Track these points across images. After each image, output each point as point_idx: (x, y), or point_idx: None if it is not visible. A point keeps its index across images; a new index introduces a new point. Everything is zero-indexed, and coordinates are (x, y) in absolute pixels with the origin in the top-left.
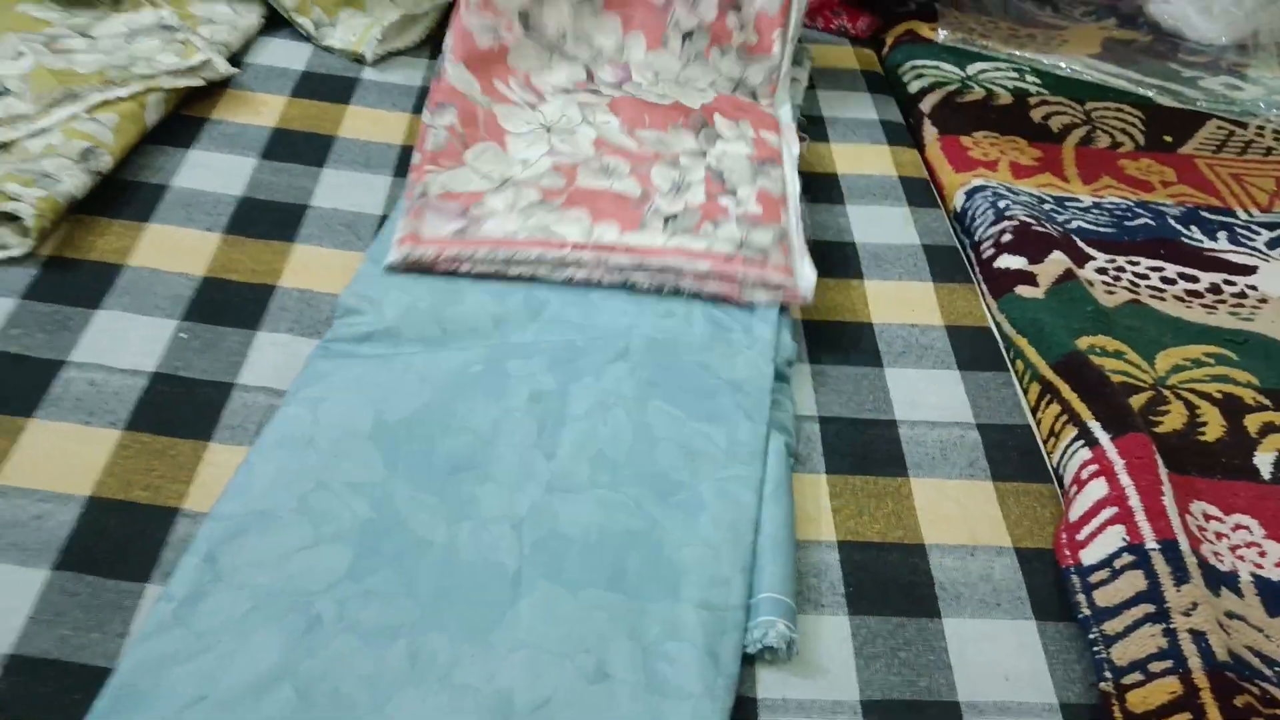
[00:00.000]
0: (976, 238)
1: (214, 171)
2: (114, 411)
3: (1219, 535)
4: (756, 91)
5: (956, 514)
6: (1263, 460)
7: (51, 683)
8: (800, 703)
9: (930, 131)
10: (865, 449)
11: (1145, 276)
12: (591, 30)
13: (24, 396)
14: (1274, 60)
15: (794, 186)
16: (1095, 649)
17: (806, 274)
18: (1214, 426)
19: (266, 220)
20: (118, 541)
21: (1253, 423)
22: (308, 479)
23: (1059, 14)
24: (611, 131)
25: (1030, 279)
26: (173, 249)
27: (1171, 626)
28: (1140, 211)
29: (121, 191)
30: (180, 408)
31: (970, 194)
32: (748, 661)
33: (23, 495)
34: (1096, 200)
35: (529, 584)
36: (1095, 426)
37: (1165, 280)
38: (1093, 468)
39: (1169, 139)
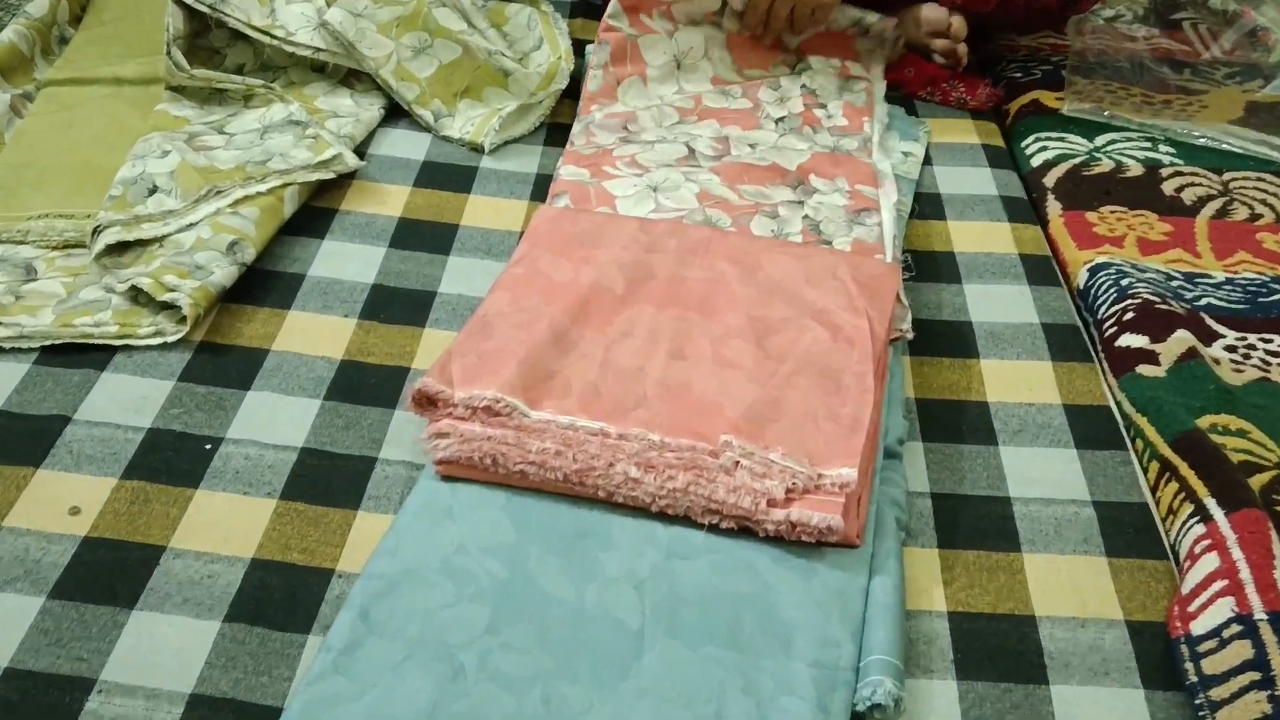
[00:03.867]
0: (1099, 316)
1: (347, 260)
2: (270, 483)
3: None
4: (853, 153)
5: (1068, 587)
6: None
7: (230, 718)
8: None
9: (1054, 206)
10: (978, 524)
11: (1278, 354)
12: (689, 129)
13: (189, 470)
14: None
15: (890, 230)
16: (1201, 714)
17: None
18: None
19: (398, 305)
20: (280, 597)
21: None
22: (448, 543)
23: (1198, 77)
24: (714, 185)
25: (1152, 358)
26: (313, 334)
27: (1276, 694)
28: (1277, 287)
29: (264, 280)
30: (329, 479)
31: (1094, 271)
32: (857, 718)
33: (195, 557)
34: (1230, 276)
35: (651, 639)
36: (1211, 503)
37: None
38: (1206, 542)
39: None
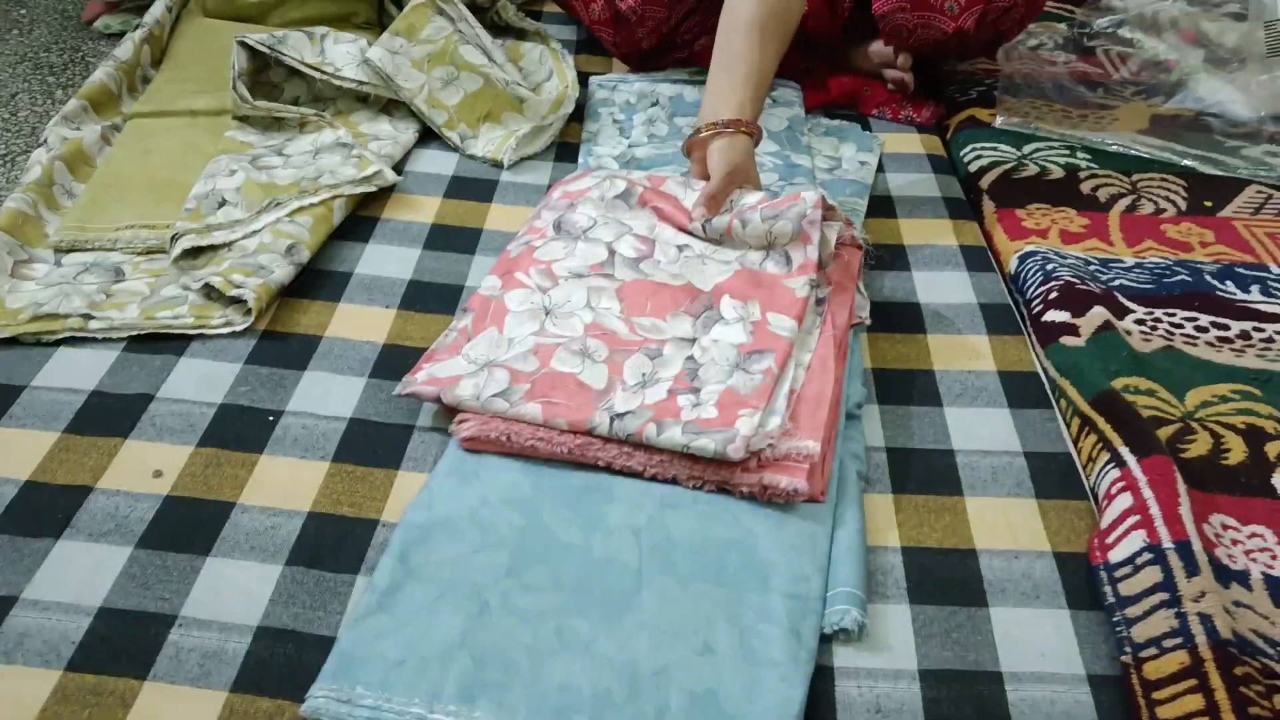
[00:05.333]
0: (1028, 296)
1: (387, 260)
2: (323, 448)
3: (1234, 541)
4: (789, 249)
5: (1004, 524)
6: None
7: (291, 647)
8: (869, 670)
9: (989, 205)
10: (926, 473)
11: (1180, 326)
12: (623, 217)
13: (255, 438)
14: None
15: (791, 370)
16: (1118, 629)
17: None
18: (1236, 452)
19: (431, 298)
20: (332, 544)
21: (1273, 449)
22: (474, 498)
23: (1110, 94)
24: (608, 317)
25: (1073, 330)
26: (359, 323)
27: (1182, 611)
28: (1178, 269)
29: (317, 278)
30: (373, 444)
31: (1023, 258)
32: (825, 640)
33: (260, 511)
34: (1139, 261)
35: (648, 578)
36: (1124, 451)
37: (1198, 329)
38: (1121, 484)
39: (1209, 204)
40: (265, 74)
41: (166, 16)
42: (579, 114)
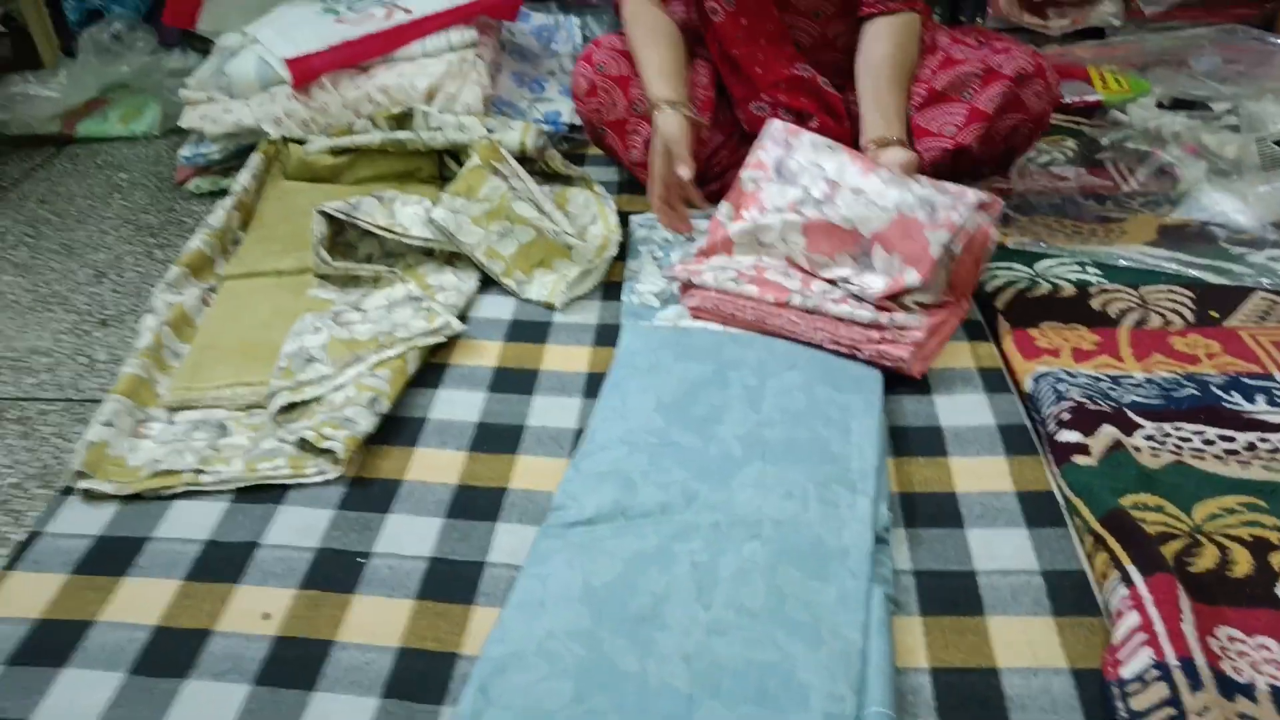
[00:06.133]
0: (1042, 415)
1: (457, 404)
2: (407, 586)
3: (1240, 654)
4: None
5: (1024, 643)
6: None
7: None
8: None
9: (1004, 325)
10: (951, 594)
11: (1188, 440)
12: (822, 159)
13: (346, 579)
14: None
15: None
16: None
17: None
18: (1242, 564)
19: (497, 439)
20: (420, 677)
21: (1277, 559)
22: (541, 630)
23: (1119, 207)
24: (796, 252)
25: (1085, 449)
26: (434, 466)
27: None
28: (1186, 383)
29: (395, 425)
30: (451, 581)
31: (1037, 379)
32: None
33: (356, 648)
34: (1148, 376)
35: (698, 701)
36: (1132, 570)
37: (1206, 442)
38: (1129, 601)
39: (1215, 314)
40: (342, 235)
41: (252, 183)
42: (622, 253)
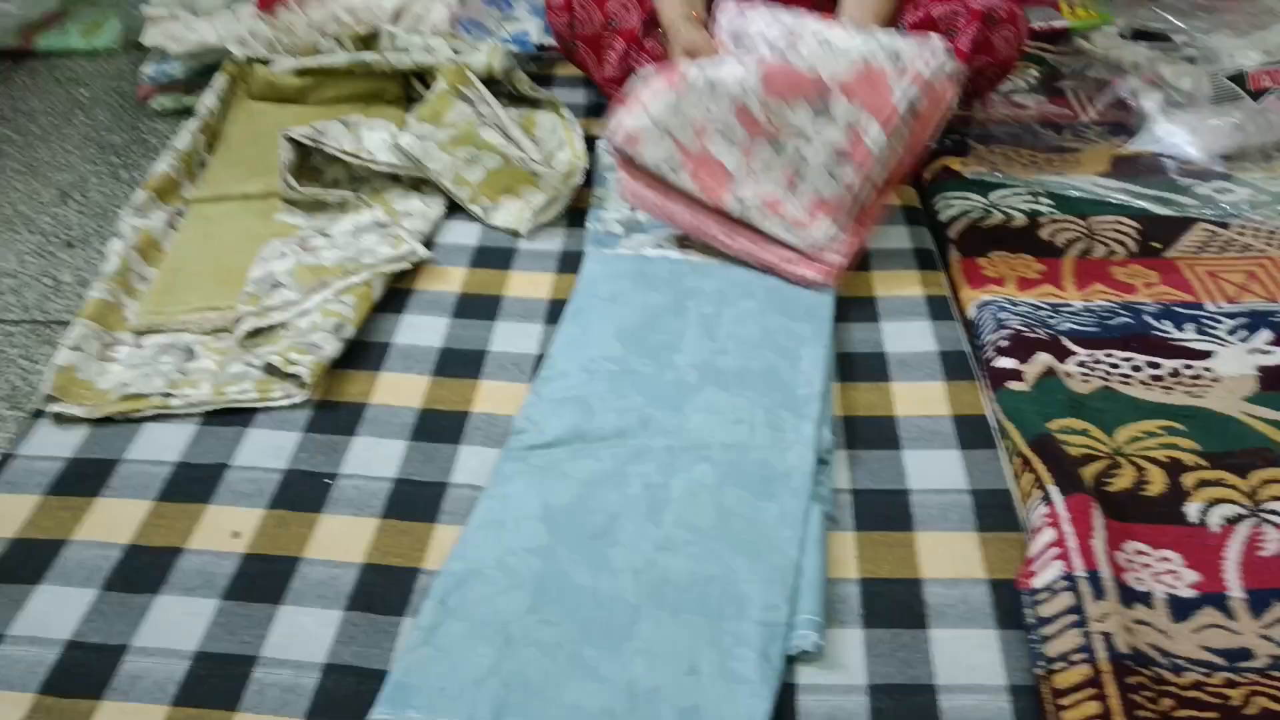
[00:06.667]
0: (981, 343)
1: (421, 330)
2: (372, 505)
3: (1144, 565)
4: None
5: (947, 556)
6: (1192, 508)
7: (353, 680)
8: (826, 686)
9: (955, 255)
10: (885, 512)
11: (1117, 366)
12: (781, 15)
13: (313, 499)
14: (1258, 165)
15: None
16: (1034, 646)
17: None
18: (1157, 484)
19: (460, 363)
20: (383, 591)
21: (1189, 479)
22: (500, 547)
23: (1077, 136)
24: (751, 98)
25: (1019, 376)
26: (399, 390)
27: (1087, 630)
28: (1121, 311)
29: (361, 350)
30: (415, 501)
31: (980, 307)
32: (790, 660)
33: (323, 564)
34: (1086, 304)
35: (645, 612)
36: (1052, 490)
37: (1134, 368)
38: (1047, 519)
39: (1157, 245)
40: (309, 160)
41: (217, 104)
42: (589, 178)
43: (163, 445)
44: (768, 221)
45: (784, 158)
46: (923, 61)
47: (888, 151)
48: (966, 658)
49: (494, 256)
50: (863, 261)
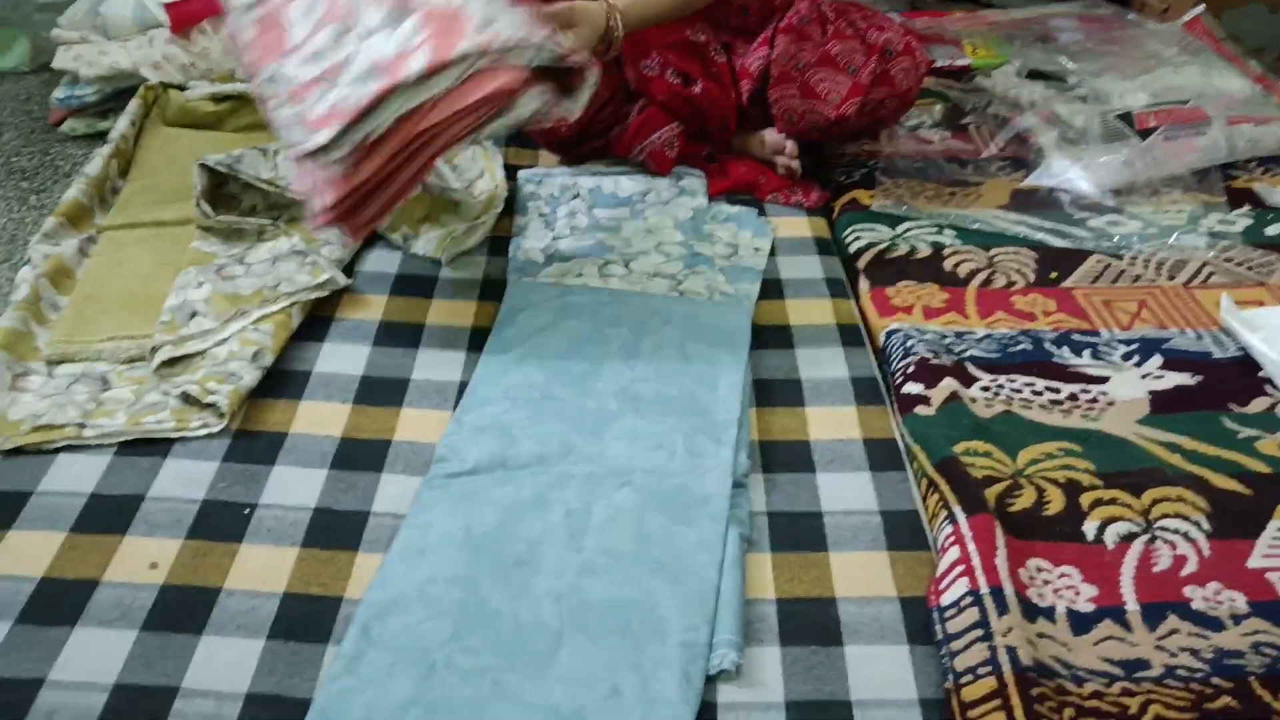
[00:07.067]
0: (891, 369)
1: (341, 358)
2: (293, 535)
3: (1045, 582)
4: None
5: (860, 575)
6: (1089, 526)
7: (274, 709)
8: (745, 704)
9: (864, 284)
10: (799, 534)
11: (1019, 391)
12: None
13: (233, 529)
14: (1146, 199)
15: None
16: (944, 660)
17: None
18: (1056, 503)
19: (381, 391)
20: (305, 620)
21: (1086, 499)
22: (422, 575)
23: (979, 171)
24: None
25: (925, 401)
26: (319, 418)
27: (993, 644)
28: (1021, 339)
29: (281, 378)
30: (337, 530)
31: (888, 335)
32: (710, 680)
33: (243, 594)
34: (989, 332)
35: (567, 637)
36: (958, 510)
37: (1034, 393)
38: (952, 538)
39: (1054, 275)
40: (225, 186)
41: (130, 130)
42: (510, 206)
43: (77, 476)
44: (281, 112)
45: (339, 49)
46: (509, 35)
47: (416, 91)
48: (880, 674)
49: (415, 284)
50: (777, 290)
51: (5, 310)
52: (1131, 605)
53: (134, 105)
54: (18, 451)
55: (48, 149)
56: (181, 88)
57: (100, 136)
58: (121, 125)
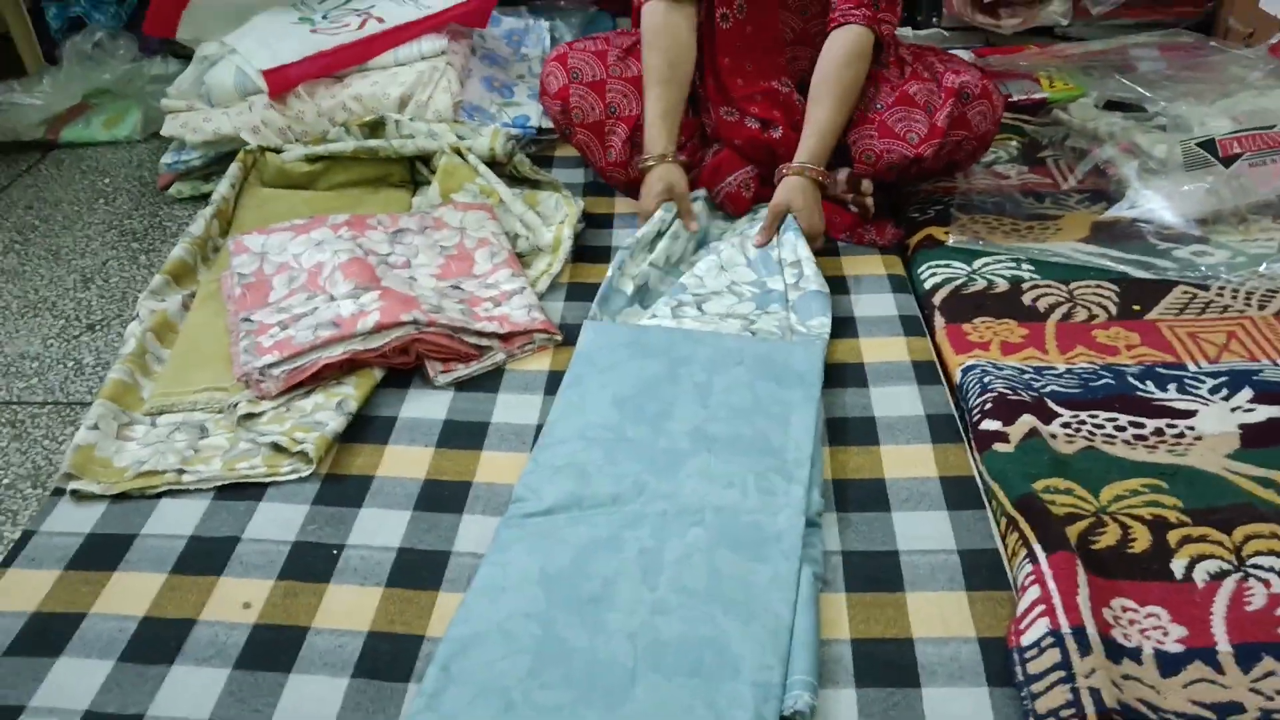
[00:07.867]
0: (969, 406)
1: (425, 403)
2: (378, 575)
3: (1131, 621)
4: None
5: (937, 615)
6: (1177, 565)
7: None
8: None
9: (939, 321)
10: (875, 573)
11: (1101, 426)
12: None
13: (321, 569)
14: (1233, 228)
15: None
16: (1024, 703)
17: None
18: (1141, 541)
19: (463, 435)
20: (388, 658)
21: (1173, 536)
22: (501, 612)
23: (1057, 204)
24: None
25: (1004, 438)
26: (404, 462)
27: (1075, 686)
28: (1104, 373)
29: (367, 424)
30: (419, 570)
31: (965, 371)
32: None
33: (330, 632)
34: (1069, 367)
35: (641, 675)
36: (1037, 548)
37: (1117, 428)
38: (1032, 577)
39: (1138, 307)
40: None
41: (231, 191)
42: (594, 254)
43: (177, 520)
44: (245, 339)
45: (306, 306)
46: (451, 318)
47: (364, 341)
48: (958, 716)
49: None
50: (850, 328)
51: (115, 363)
52: (1224, 646)
53: (234, 168)
54: (123, 497)
55: (156, 211)
56: (278, 150)
57: (204, 198)
58: (222, 187)
